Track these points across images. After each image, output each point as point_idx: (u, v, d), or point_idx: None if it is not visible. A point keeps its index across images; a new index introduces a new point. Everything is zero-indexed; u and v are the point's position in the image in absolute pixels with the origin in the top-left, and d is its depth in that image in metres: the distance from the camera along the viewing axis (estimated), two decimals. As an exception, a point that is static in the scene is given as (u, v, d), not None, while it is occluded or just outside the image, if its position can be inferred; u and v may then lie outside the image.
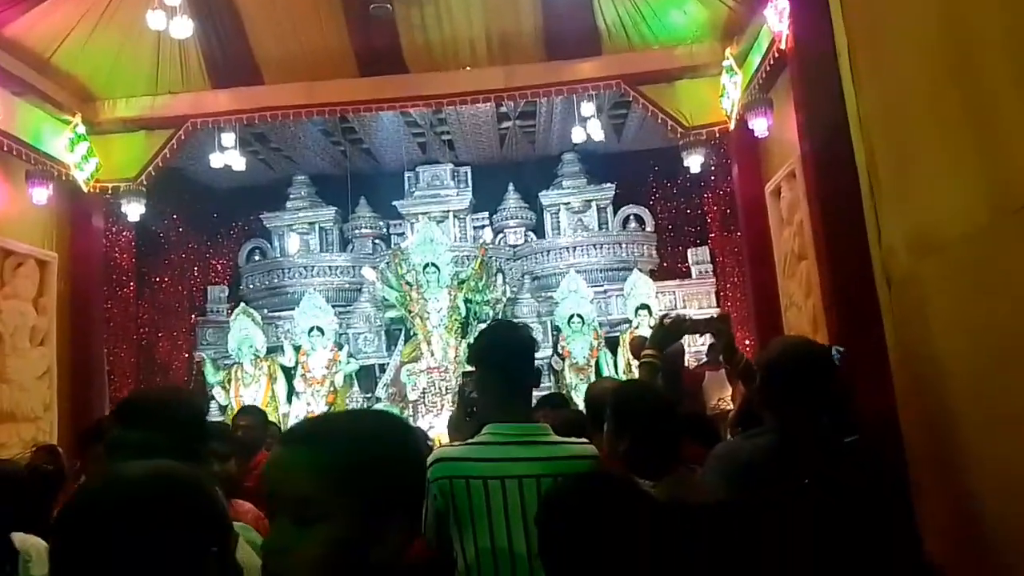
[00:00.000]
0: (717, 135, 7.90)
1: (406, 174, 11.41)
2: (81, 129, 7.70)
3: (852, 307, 5.48)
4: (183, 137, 8.08)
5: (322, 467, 1.05)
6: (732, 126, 7.52)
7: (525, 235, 11.55)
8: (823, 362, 1.95)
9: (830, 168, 5.62)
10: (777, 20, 5.86)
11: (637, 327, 9.66)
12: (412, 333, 10.21)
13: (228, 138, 8.38)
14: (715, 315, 2.80)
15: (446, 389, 9.73)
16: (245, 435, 3.78)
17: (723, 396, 7.32)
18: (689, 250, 10.81)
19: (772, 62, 6.55)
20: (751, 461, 1.77)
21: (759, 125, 6.73)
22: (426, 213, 11.13)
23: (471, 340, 9.94)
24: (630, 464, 1.92)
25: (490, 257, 10.57)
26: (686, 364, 6.63)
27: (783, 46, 5.92)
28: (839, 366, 2.96)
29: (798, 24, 5.53)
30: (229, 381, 9.92)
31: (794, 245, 6.55)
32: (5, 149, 6.90)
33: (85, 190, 7.82)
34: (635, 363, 9.35)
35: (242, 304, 10.27)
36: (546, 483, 1.79)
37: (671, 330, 2.57)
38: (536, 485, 1.82)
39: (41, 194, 7.24)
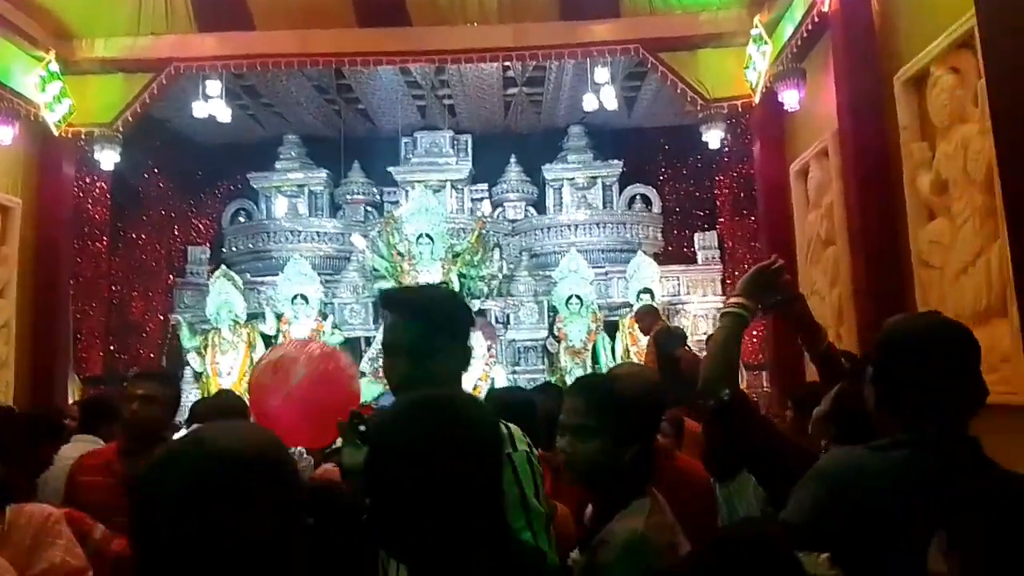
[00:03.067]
0: (739, 109, 7.37)
1: (403, 139, 10.85)
2: (54, 67, 7.09)
3: (884, 295, 5.05)
4: (164, 82, 7.48)
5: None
6: (757, 99, 7.00)
7: (525, 210, 11.02)
8: (974, 348, 1.41)
9: (870, 145, 5.16)
10: (820, -18, 5.33)
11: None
12: (401, 306, 9.68)
13: (214, 86, 7.79)
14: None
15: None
16: (139, 414, 2.61)
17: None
18: (696, 234, 10.32)
19: (808, 30, 6.03)
20: (895, 487, 1.25)
21: (790, 97, 6.21)
22: (423, 181, 10.56)
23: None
24: None
25: (487, 231, 10.04)
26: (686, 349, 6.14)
27: (825, 8, 5.40)
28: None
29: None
30: (206, 347, 9.39)
31: (821, 229, 6.05)
32: (-35, 81, 6.30)
33: (55, 133, 7.23)
34: (635, 347, 8.90)
35: (223, 267, 9.71)
36: None
37: (773, 278, 1.91)
38: None
39: (5, 133, 6.65)
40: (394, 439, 1.17)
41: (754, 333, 8.36)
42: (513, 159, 10.98)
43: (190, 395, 9.41)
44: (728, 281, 9.74)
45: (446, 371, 1.70)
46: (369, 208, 11.12)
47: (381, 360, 1.90)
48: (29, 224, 7.15)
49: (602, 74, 7.81)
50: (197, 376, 9.58)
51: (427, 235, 9.45)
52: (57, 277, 7.52)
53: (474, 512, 1.15)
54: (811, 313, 2.17)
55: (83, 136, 7.49)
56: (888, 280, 4.96)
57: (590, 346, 9.66)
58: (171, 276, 10.18)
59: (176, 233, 10.45)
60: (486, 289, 9.87)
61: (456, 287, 9.54)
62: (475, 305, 9.86)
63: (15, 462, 2.45)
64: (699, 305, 9.83)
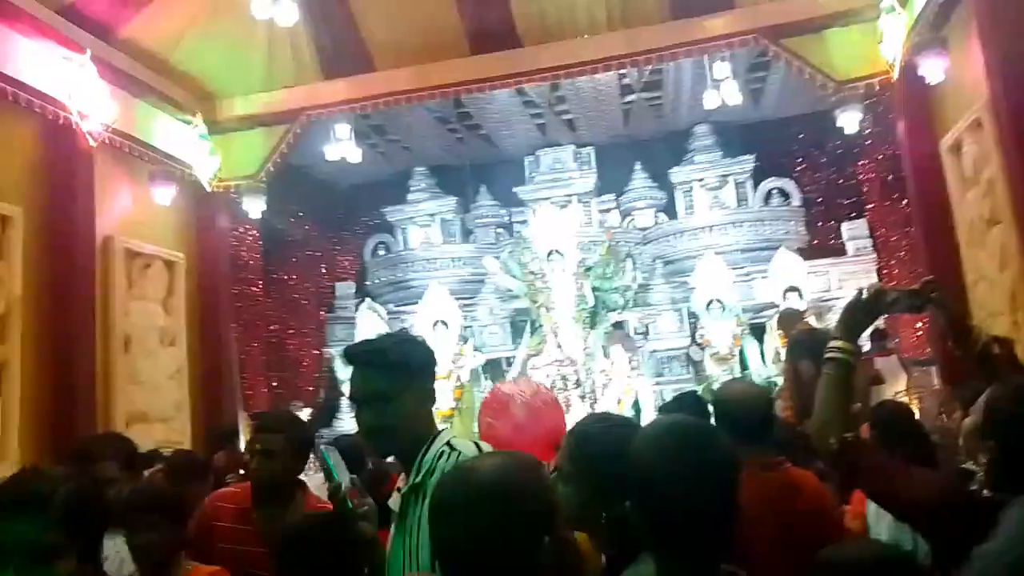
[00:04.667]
0: (876, 88, 6.84)
1: (526, 159, 10.94)
2: (202, 128, 7.70)
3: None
4: (299, 130, 7.94)
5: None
6: (895, 75, 6.47)
7: (655, 216, 10.79)
8: None
9: (1031, 110, 4.63)
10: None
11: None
12: (538, 324, 9.71)
13: (343, 129, 8.21)
14: (925, 281, 1.92)
15: (575, 383, 9.17)
16: (259, 472, 2.54)
17: (897, 388, 6.34)
18: (843, 224, 9.69)
19: (946, -7, 5.52)
20: None
21: (933, 68, 5.69)
22: (548, 198, 10.60)
23: (601, 330, 9.48)
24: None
25: (617, 242, 9.91)
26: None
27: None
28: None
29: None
30: (358, 378, 9.82)
31: (983, 208, 5.47)
32: (127, 150, 6.95)
33: (208, 189, 7.84)
34: (783, 351, 8.44)
35: (367, 300, 10.16)
36: None
37: (872, 308, 1.83)
38: None
39: (165, 194, 7.28)
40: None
41: (917, 325, 7.70)
42: (638, 166, 10.79)
43: (350, 425, 9.93)
44: (884, 271, 9.04)
45: (410, 412, 1.79)
46: (499, 230, 11.27)
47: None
48: (192, 276, 7.77)
49: (722, 69, 7.53)
50: (352, 406, 10.04)
51: (557, 251, 9.42)
52: (221, 323, 8.11)
53: None
54: (955, 313, 1.93)
55: (232, 189, 8.07)
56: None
57: (736, 351, 9.27)
58: (322, 311, 10.76)
59: (323, 271, 11.05)
60: (621, 300, 9.72)
61: (591, 301, 9.47)
62: (611, 317, 9.74)
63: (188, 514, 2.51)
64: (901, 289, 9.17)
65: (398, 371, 1.79)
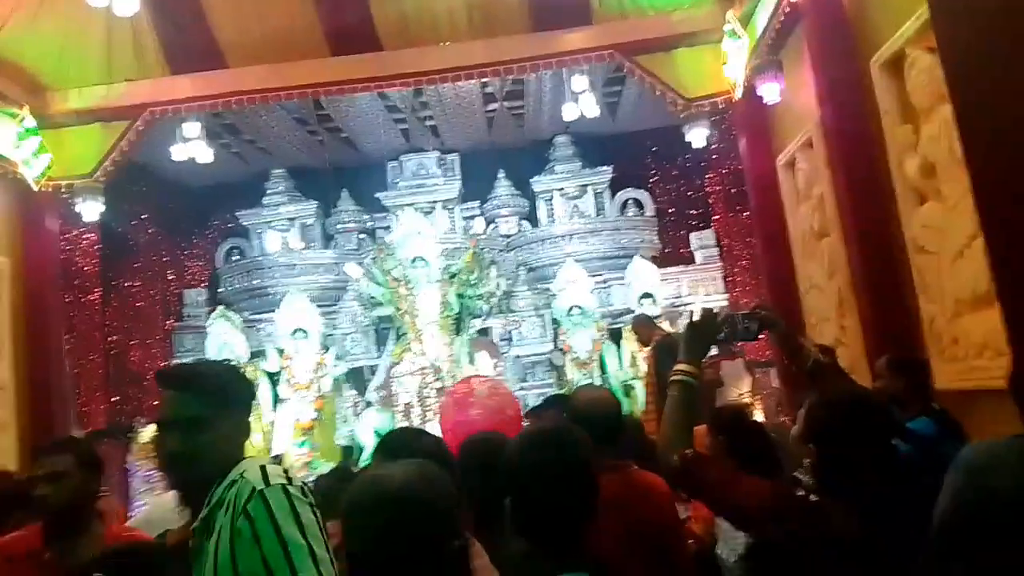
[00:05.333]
0: (721, 106, 7.27)
1: (389, 164, 10.80)
2: (30, 123, 7.04)
3: (883, 284, 4.91)
4: (142, 127, 7.43)
5: None
6: (738, 95, 6.89)
7: (519, 224, 10.94)
8: None
9: (853, 132, 5.04)
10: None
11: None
12: (402, 332, 9.59)
13: (192, 128, 7.74)
14: (755, 307, 2.07)
15: (440, 390, 9.12)
16: (49, 498, 2.30)
17: (741, 390, 6.74)
18: (692, 234, 10.22)
19: (781, 21, 5.93)
20: None
21: (769, 90, 6.10)
22: (412, 204, 10.50)
23: (466, 336, 9.46)
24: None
25: (482, 248, 9.94)
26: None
27: (795, -2, 5.31)
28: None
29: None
30: (209, 390, 9.31)
31: (813, 221, 5.92)
32: (-60, 146, 6.25)
33: (35, 189, 7.18)
34: (641, 354, 8.74)
35: (220, 307, 9.65)
36: None
37: (704, 331, 1.94)
38: None
39: (-15, 194, 6.61)
40: None
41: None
42: (502, 174, 10.90)
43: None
44: (728, 278, 9.62)
45: (222, 442, 1.70)
46: (362, 235, 11.04)
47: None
48: (18, 283, 7.08)
49: (580, 82, 7.73)
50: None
51: (421, 258, 9.34)
52: (51, 334, 7.43)
53: None
54: (786, 330, 2.07)
55: (63, 189, 7.42)
56: (886, 269, 4.83)
57: (596, 356, 9.55)
58: (169, 321, 10.12)
59: (170, 278, 10.40)
60: (486, 307, 9.76)
61: (455, 308, 9.46)
62: (476, 324, 9.78)
63: None
64: (702, 305, 9.70)
65: (216, 398, 1.71)
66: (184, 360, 9.72)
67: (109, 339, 9.06)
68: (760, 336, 2.08)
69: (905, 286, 4.65)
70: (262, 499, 1.55)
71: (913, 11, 4.08)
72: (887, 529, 1.69)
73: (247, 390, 1.83)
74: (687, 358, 1.91)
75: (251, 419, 1.84)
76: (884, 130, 4.61)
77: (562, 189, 10.68)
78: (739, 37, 6.58)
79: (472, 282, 9.61)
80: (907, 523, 1.66)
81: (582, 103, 7.82)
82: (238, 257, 11.02)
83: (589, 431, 2.15)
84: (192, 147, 7.80)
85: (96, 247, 8.50)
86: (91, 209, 7.48)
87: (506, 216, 10.93)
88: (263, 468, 1.66)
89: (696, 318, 1.99)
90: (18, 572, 2.24)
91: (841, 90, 5.07)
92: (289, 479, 1.64)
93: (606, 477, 2.19)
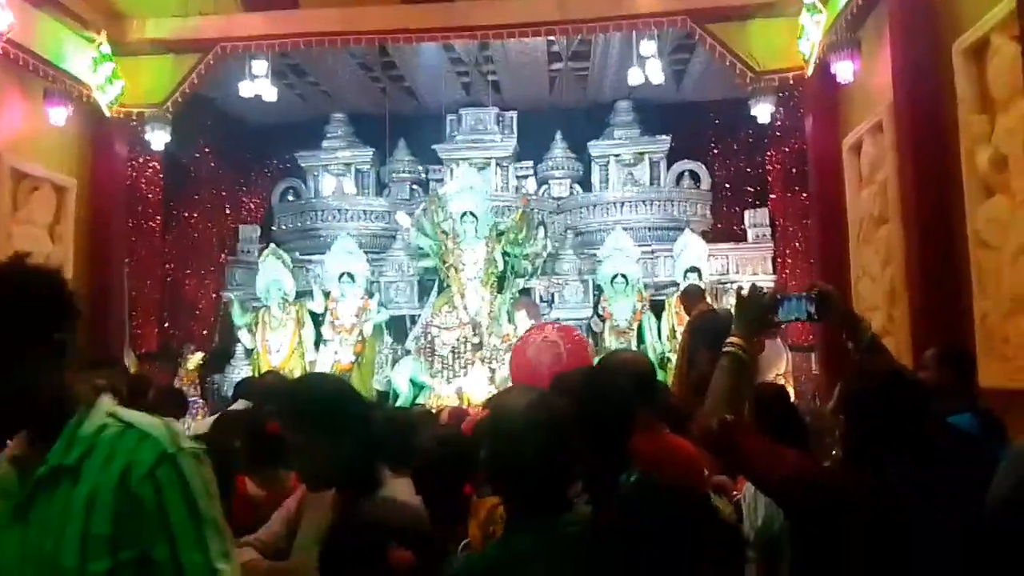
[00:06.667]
0: (791, 82, 7.11)
1: (448, 117, 10.80)
2: (106, 48, 7.23)
3: (939, 276, 4.83)
4: (212, 62, 7.57)
5: None
6: (809, 71, 6.73)
7: (571, 187, 10.90)
8: None
9: (926, 117, 4.91)
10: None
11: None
12: (445, 285, 9.70)
13: (260, 66, 7.85)
14: (812, 284, 2.07)
15: (478, 345, 9.24)
16: None
17: (779, 371, 6.69)
18: (747, 211, 10.05)
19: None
20: None
21: (844, 69, 5.94)
22: (467, 159, 10.54)
23: (508, 295, 9.54)
24: None
25: (532, 209, 9.96)
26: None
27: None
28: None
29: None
30: (256, 324, 9.60)
31: (874, 208, 5.80)
32: (21, 64, 6.45)
33: (108, 114, 7.39)
34: (681, 327, 8.73)
35: (272, 246, 9.87)
36: None
37: (753, 306, 1.96)
38: None
39: (59, 115, 6.82)
40: None
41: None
42: (559, 136, 10.84)
43: (241, 372, 9.68)
44: (779, 260, 9.48)
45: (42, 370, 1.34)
46: (415, 186, 11.13)
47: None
48: (83, 204, 7.34)
49: (648, 47, 7.61)
50: (248, 353, 9.80)
51: (471, 213, 9.41)
52: (112, 255, 7.72)
53: None
54: (847, 305, 2.08)
55: (134, 117, 7.63)
56: (943, 260, 4.74)
57: (635, 326, 9.55)
58: (223, 255, 10.38)
59: (227, 212, 10.62)
60: (530, 268, 9.81)
61: (500, 266, 9.53)
62: (519, 284, 9.84)
63: None
64: (748, 284, 9.60)
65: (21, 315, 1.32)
66: (234, 293, 10.01)
67: (166, 266, 9.34)
68: (822, 320, 2.09)
69: (961, 280, 4.56)
70: (174, 466, 1.33)
71: (1004, -5, 3.94)
72: (904, 508, 1.69)
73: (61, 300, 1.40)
74: (738, 331, 1.93)
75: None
76: (959, 118, 4.48)
77: (618, 155, 10.59)
78: (818, 11, 6.40)
79: (519, 241, 9.66)
80: (930, 508, 1.67)
81: (648, 69, 7.71)
82: (293, 198, 11.21)
83: (622, 386, 2.20)
84: (258, 85, 7.93)
85: (160, 176, 8.71)
86: (158, 138, 7.68)
87: (559, 178, 10.89)
88: (168, 425, 1.40)
89: (745, 293, 1.99)
90: None
91: (919, 73, 4.93)
92: (195, 442, 1.42)
93: (640, 436, 2.25)
